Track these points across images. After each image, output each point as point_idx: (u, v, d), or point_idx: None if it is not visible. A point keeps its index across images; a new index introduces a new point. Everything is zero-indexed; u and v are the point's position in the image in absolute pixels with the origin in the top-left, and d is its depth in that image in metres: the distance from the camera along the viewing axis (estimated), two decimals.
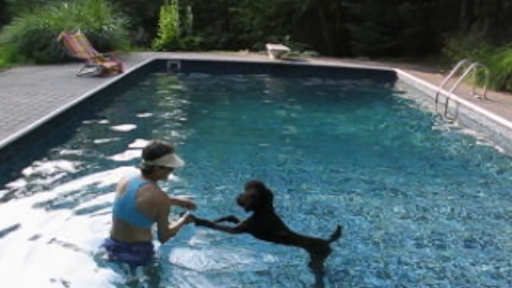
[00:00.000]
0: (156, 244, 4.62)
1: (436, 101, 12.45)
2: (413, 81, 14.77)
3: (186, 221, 4.65)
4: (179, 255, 4.79)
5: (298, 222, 5.65)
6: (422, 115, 12.00)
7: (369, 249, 5.18)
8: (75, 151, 7.90)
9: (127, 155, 7.58)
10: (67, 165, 7.18)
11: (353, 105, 12.99)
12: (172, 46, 18.84)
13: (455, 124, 11.05)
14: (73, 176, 6.74)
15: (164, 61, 16.48)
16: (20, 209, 5.69)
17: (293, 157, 8.19)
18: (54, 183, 6.46)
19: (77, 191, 6.19)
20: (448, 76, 12.70)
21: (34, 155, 7.44)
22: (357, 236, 5.42)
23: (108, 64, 13.00)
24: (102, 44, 14.78)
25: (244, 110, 11.88)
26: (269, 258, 4.86)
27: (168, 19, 18.98)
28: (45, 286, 4.30)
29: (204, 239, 5.11)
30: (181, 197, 5.24)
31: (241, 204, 4.50)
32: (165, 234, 4.51)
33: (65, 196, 6.07)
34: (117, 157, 7.61)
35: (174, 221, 4.68)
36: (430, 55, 17.97)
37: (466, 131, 10.40)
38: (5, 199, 5.94)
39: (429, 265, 4.92)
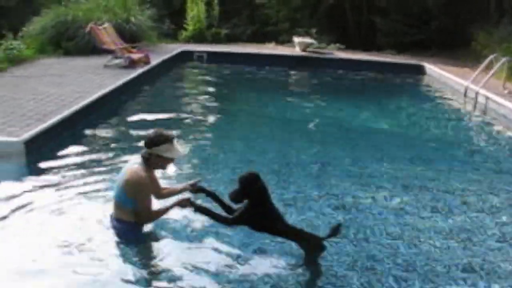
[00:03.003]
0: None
1: (465, 95, 12.27)
2: (441, 75, 14.57)
3: (182, 204, 4.69)
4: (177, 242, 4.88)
5: (326, 216, 5.64)
6: (451, 110, 11.83)
7: (396, 244, 5.14)
8: (104, 141, 7.98)
9: None
10: (96, 155, 7.29)
11: (380, 99, 12.86)
12: (198, 38, 18.87)
13: (484, 119, 10.88)
14: (101, 165, 6.82)
15: (190, 53, 16.51)
16: (50, 197, 5.74)
17: (319, 150, 8.17)
18: (83, 172, 6.53)
19: (105, 179, 6.26)
20: (478, 71, 12.51)
21: (63, 145, 7.51)
22: (384, 231, 5.38)
23: (135, 56, 13.09)
24: (130, 35, 14.87)
25: (270, 102, 11.85)
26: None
27: (195, 10, 19.01)
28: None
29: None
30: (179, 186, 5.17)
31: (237, 200, 4.44)
32: (143, 215, 4.64)
33: (93, 184, 6.14)
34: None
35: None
36: (459, 49, 17.66)
37: (496, 126, 10.24)
38: (35, 188, 6.00)
39: (458, 260, 4.87)
